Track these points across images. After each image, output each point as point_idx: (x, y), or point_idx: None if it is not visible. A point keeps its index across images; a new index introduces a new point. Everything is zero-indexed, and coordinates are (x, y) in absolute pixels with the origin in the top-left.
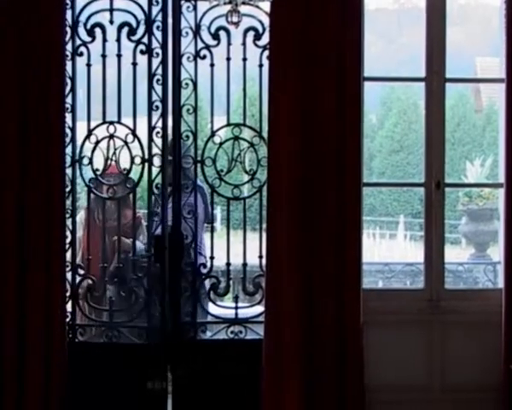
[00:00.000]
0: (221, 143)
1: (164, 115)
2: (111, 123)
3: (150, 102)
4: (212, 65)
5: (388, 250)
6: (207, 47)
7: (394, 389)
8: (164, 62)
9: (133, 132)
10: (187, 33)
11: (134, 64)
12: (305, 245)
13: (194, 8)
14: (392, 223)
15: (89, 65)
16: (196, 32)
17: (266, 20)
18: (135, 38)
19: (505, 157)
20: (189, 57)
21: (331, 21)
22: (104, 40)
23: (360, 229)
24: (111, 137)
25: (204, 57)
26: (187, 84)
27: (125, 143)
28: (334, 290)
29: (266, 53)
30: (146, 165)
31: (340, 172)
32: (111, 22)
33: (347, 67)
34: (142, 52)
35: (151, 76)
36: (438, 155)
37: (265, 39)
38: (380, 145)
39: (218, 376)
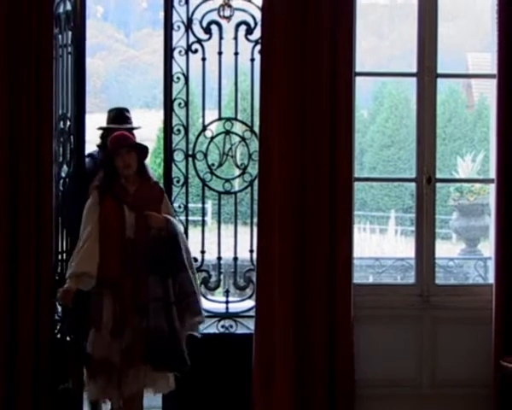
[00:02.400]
0: (212, 138)
1: None
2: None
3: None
4: (203, 59)
5: (379, 245)
6: (199, 41)
7: (384, 383)
8: None
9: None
10: (179, 27)
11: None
12: (296, 240)
13: (186, 1)
14: (383, 218)
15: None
16: (188, 25)
17: (258, 15)
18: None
19: (496, 153)
20: (180, 51)
21: (323, 16)
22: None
23: (351, 224)
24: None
25: (196, 51)
26: (178, 78)
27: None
28: (324, 285)
29: (258, 47)
30: None
31: (332, 166)
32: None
33: (339, 62)
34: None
35: None
36: (429, 150)
37: (257, 34)
38: (371, 140)
39: (208, 369)
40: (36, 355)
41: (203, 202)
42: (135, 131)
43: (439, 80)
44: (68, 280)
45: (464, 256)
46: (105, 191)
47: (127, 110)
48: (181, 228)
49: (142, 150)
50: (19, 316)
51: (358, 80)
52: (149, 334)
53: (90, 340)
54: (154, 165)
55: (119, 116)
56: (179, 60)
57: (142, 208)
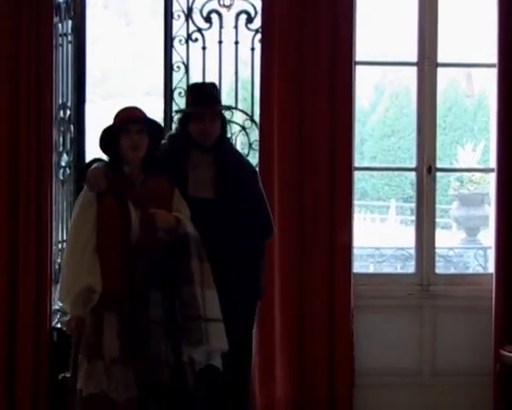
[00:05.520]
0: None
1: None
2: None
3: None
4: (203, 48)
5: (379, 235)
6: (199, 30)
7: (384, 373)
8: None
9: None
10: (179, 16)
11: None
12: (296, 229)
13: None
14: (384, 207)
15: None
16: (188, 14)
17: (258, 4)
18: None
19: (496, 142)
20: (180, 40)
21: (323, 5)
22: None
23: (351, 213)
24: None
25: (196, 40)
26: (178, 67)
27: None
28: (325, 274)
29: (258, 36)
30: None
31: (332, 156)
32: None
33: (339, 51)
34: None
35: None
36: (429, 139)
37: (257, 23)
38: (371, 129)
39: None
40: (35, 345)
41: None
42: None
43: (440, 69)
44: (70, 305)
45: (464, 246)
46: (109, 186)
47: (215, 86)
48: (195, 232)
49: (156, 132)
50: (18, 304)
51: (358, 69)
52: (147, 365)
53: (81, 372)
54: None
55: (204, 96)
56: (179, 49)
57: (149, 205)
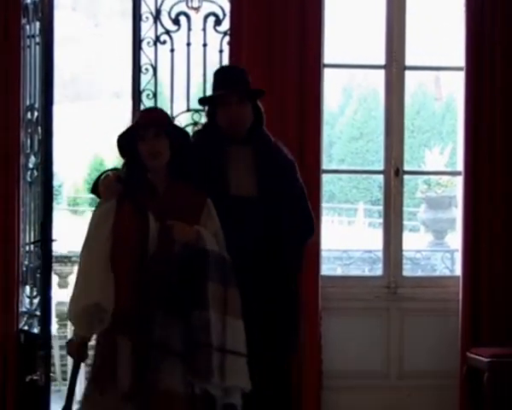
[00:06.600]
0: None
1: None
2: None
3: None
4: (172, 50)
5: (347, 237)
6: (168, 32)
7: (351, 375)
8: None
9: None
10: (147, 18)
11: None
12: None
13: None
14: (352, 210)
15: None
16: (156, 16)
17: (227, 6)
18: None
19: (464, 145)
20: (149, 42)
21: (292, 8)
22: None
23: (319, 216)
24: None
25: (164, 42)
26: (147, 69)
27: None
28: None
29: (227, 39)
30: None
31: (300, 158)
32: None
33: (307, 54)
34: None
35: None
36: (397, 142)
37: (226, 25)
38: (340, 132)
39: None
40: (2, 347)
41: None
42: None
43: (408, 72)
44: (74, 324)
45: (432, 248)
46: (124, 192)
47: (241, 68)
48: (220, 252)
49: (178, 135)
50: None
51: (327, 72)
52: (159, 400)
53: (88, 404)
54: None
55: (228, 77)
56: (148, 51)
57: (171, 216)
